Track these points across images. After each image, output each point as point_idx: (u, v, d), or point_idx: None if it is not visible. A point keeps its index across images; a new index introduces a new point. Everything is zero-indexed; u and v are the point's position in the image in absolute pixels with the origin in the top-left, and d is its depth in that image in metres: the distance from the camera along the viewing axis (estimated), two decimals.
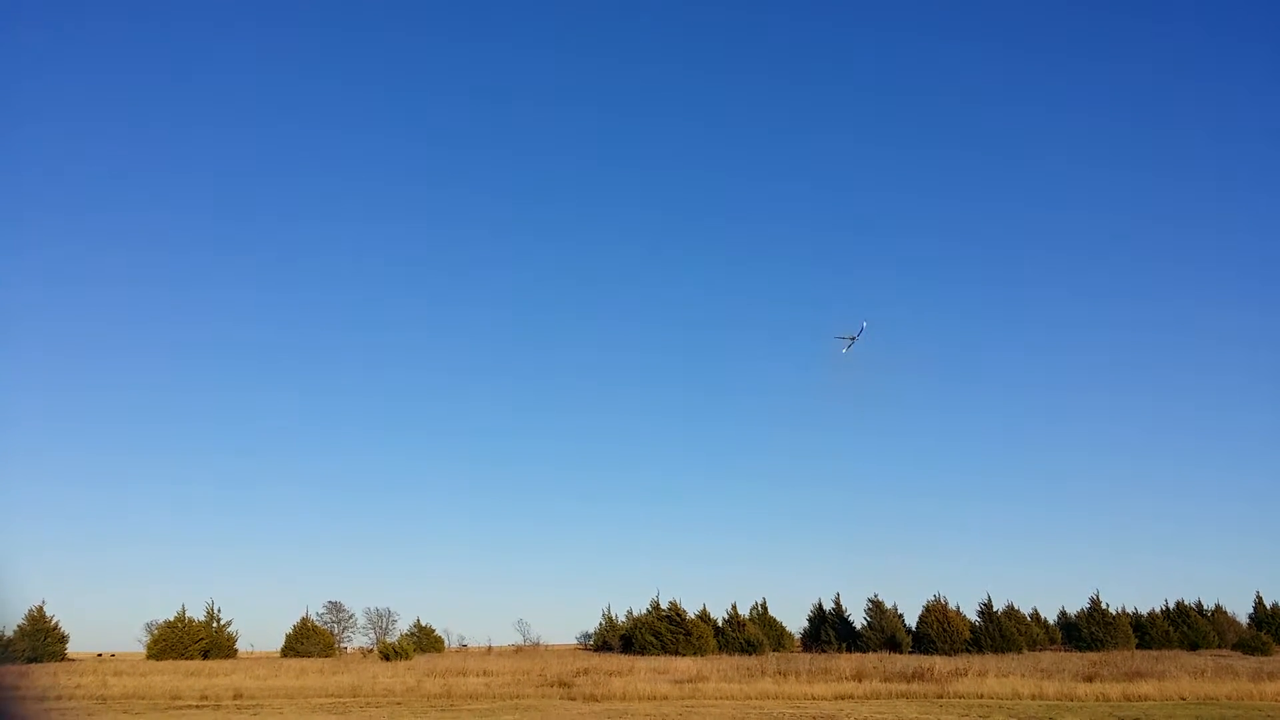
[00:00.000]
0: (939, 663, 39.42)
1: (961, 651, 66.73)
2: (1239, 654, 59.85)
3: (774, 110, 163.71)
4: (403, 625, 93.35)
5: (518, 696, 31.14)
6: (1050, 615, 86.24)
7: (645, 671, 38.31)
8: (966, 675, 33.36)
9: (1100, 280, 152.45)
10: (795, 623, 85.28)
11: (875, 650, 67.44)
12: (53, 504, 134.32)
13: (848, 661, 42.83)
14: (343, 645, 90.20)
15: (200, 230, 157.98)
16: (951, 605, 77.17)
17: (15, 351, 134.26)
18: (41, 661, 65.26)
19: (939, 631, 73.41)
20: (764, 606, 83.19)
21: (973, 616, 76.93)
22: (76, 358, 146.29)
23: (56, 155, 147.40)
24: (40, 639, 70.95)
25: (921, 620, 76.09)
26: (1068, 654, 64.03)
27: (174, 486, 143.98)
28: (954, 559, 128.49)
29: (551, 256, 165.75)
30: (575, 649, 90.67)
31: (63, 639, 73.64)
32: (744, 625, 75.66)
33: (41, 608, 72.64)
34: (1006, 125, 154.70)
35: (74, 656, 75.73)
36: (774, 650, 71.91)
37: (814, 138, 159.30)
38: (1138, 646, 72.53)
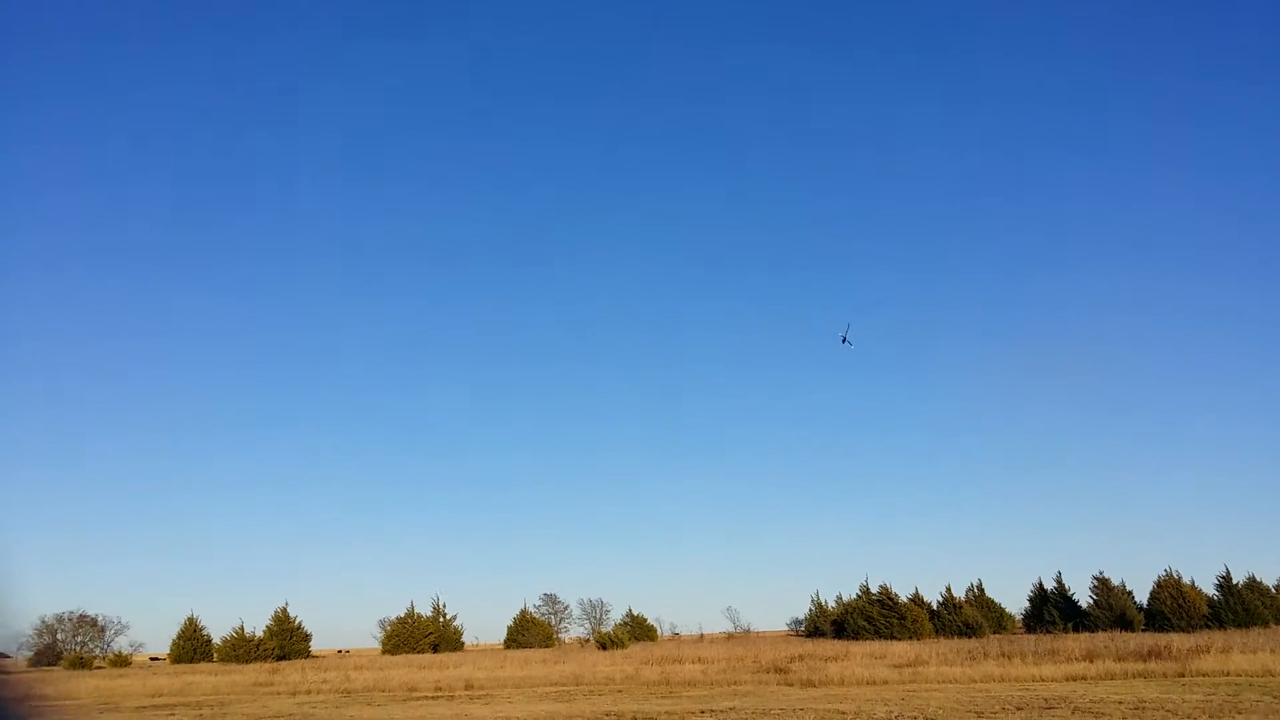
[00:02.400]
0: (1176, 640, 37.11)
1: (1200, 628, 62.49)
2: None
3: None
4: (615, 615, 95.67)
5: (734, 683, 31.29)
6: None
7: (861, 656, 37.76)
8: (1209, 652, 31.19)
9: None
10: (1014, 604, 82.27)
11: (1104, 630, 64.02)
12: (295, 513, 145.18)
13: (1076, 642, 40.86)
14: (560, 636, 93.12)
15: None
16: (1186, 580, 72.42)
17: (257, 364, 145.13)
18: (289, 659, 70.29)
19: (1173, 607, 68.97)
20: (980, 588, 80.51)
21: (1209, 590, 71.88)
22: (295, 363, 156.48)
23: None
24: (286, 638, 76.55)
25: (1153, 596, 71.70)
26: None
27: (398, 490, 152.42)
28: (1183, 532, 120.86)
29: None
30: (786, 635, 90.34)
31: (306, 637, 79.12)
32: (960, 607, 73.36)
33: (285, 609, 78.35)
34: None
35: (317, 653, 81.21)
36: (994, 632, 69.49)
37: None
38: None
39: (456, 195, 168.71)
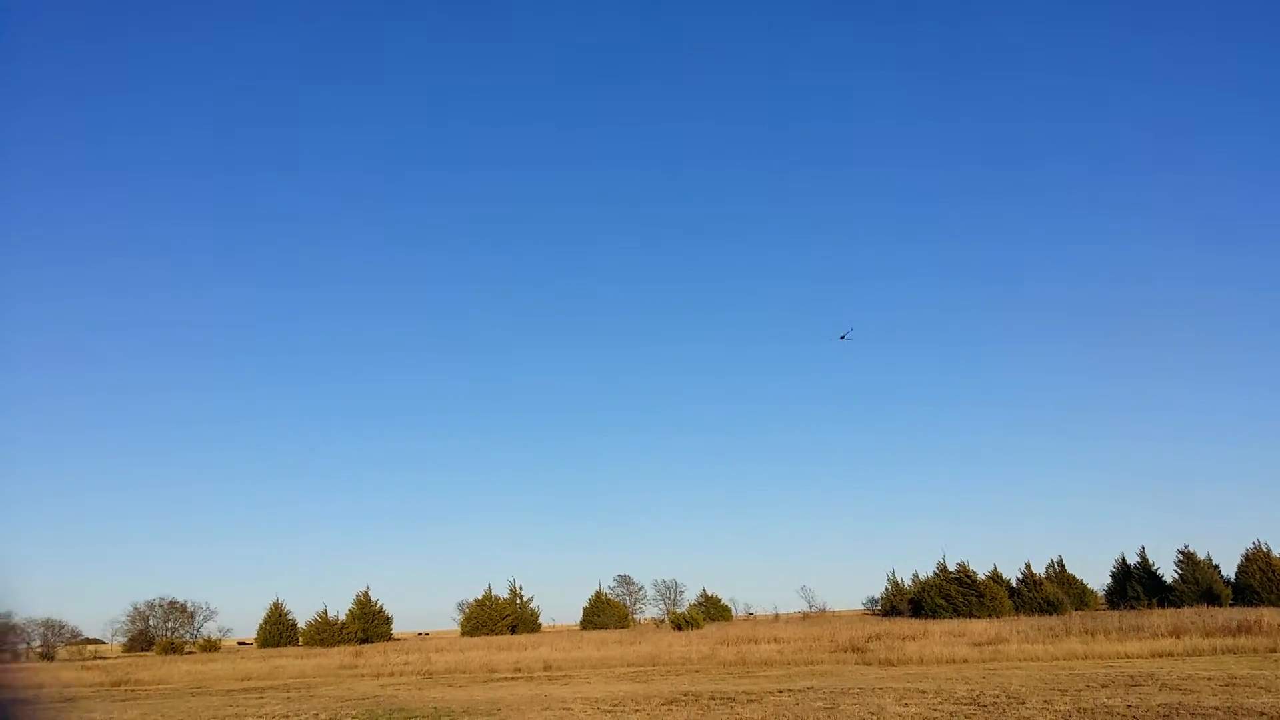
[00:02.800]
0: (1267, 615, 36.10)
1: None
2: None
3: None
4: (689, 596, 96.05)
5: (811, 662, 31.22)
6: None
7: (939, 635, 37.38)
8: None
9: None
10: (1096, 580, 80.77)
11: (1189, 605, 62.56)
12: (374, 497, 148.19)
13: (1161, 617, 39.98)
14: (635, 617, 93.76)
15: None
16: (1276, 552, 70.28)
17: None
18: (371, 641, 71.89)
19: (1263, 581, 67.08)
20: (1060, 564, 79.08)
21: None
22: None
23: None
24: (368, 621, 78.27)
25: (1241, 570, 69.83)
26: None
27: (467, 470, 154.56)
28: (1272, 503, 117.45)
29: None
30: (862, 614, 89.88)
31: (387, 620, 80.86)
32: (1040, 584, 72.15)
33: (367, 592, 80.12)
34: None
35: (398, 636, 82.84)
36: (1075, 609, 68.29)
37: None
38: None
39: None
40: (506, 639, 59.96)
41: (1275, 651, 26.97)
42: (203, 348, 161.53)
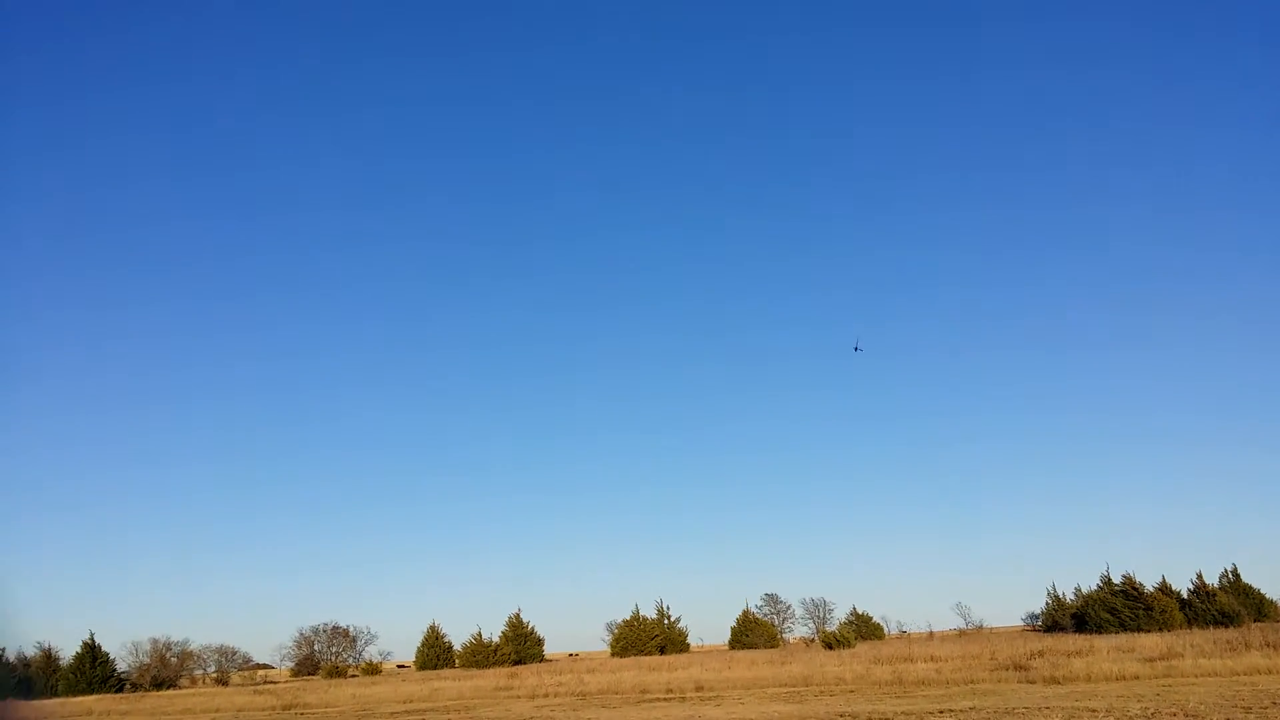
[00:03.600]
0: None
1: None
2: None
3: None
4: (839, 614, 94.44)
5: (971, 681, 30.30)
6: None
7: (1107, 650, 35.78)
8: None
9: None
10: (1276, 590, 75.89)
11: None
12: (522, 522, 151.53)
13: None
14: (784, 636, 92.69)
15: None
16: None
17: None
18: (525, 663, 73.13)
19: None
20: (1235, 573, 74.58)
21: None
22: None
23: None
24: (521, 643, 79.75)
25: None
26: None
27: (611, 490, 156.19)
28: None
29: None
30: (1022, 630, 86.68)
31: (539, 641, 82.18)
32: (1214, 595, 68.29)
33: (519, 614, 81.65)
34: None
35: (550, 657, 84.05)
36: (1254, 620, 64.30)
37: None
38: None
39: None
40: (656, 659, 60.11)
41: None
42: (354, 369, 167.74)
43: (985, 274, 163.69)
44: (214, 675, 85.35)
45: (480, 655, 76.15)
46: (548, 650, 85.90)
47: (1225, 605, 66.08)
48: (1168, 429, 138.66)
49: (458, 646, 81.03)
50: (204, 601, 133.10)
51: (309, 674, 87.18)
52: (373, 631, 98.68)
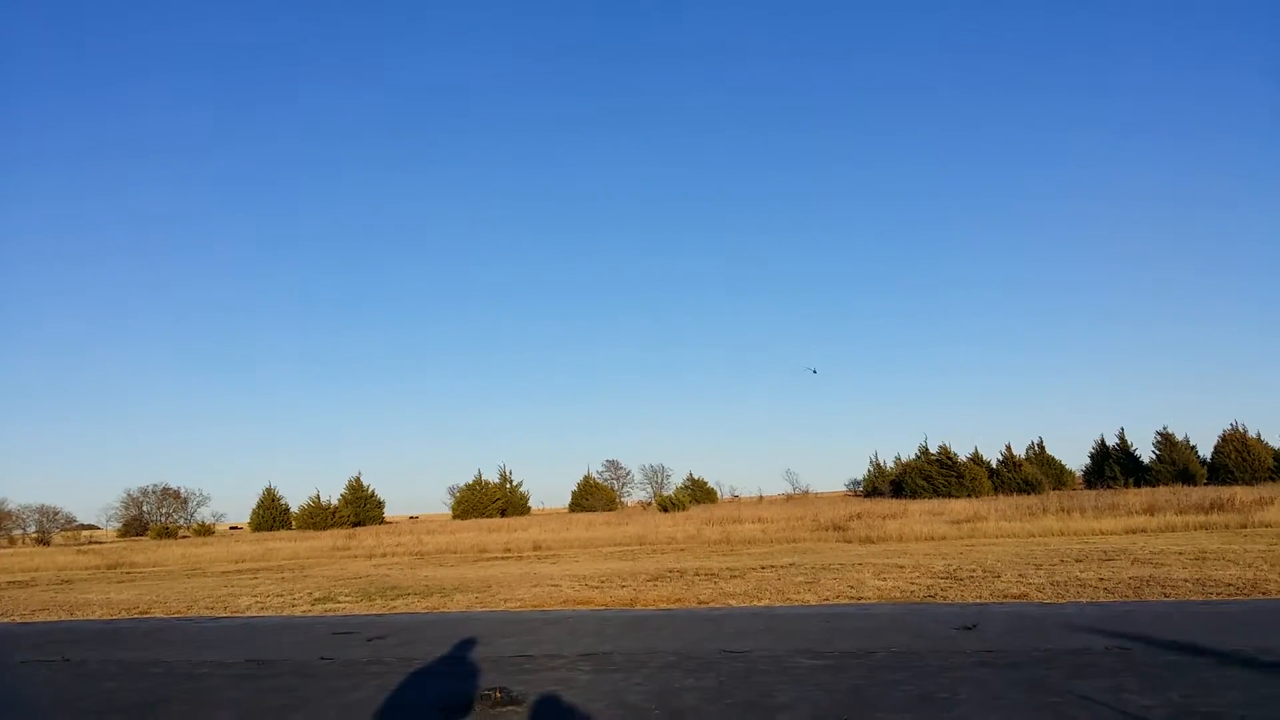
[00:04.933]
0: (1240, 493, 36.88)
1: (1264, 481, 62.13)
2: None
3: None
4: (676, 479, 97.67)
5: (793, 540, 31.87)
6: None
7: (919, 514, 38.14)
8: (1273, 504, 30.98)
9: None
10: (1075, 461, 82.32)
11: (1165, 484, 63.92)
12: (361, 385, 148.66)
13: (1136, 496, 40.82)
14: (623, 500, 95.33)
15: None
16: (1252, 433, 71.64)
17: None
18: (363, 524, 73.07)
19: (1238, 461, 68.52)
20: (1040, 445, 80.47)
21: (1276, 444, 71.10)
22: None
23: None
24: (360, 505, 79.55)
25: (1217, 450, 71.22)
26: None
27: (457, 356, 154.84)
28: (1252, 386, 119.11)
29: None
30: (844, 495, 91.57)
31: (379, 504, 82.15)
32: (1020, 465, 73.55)
33: (359, 478, 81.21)
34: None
35: (390, 520, 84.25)
36: (1054, 489, 69.75)
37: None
38: None
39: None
40: (497, 521, 61.00)
41: (1245, 527, 27.58)
42: (198, 236, 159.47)
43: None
44: (34, 535, 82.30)
45: (318, 518, 75.65)
46: (389, 514, 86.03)
47: (1029, 474, 71.27)
48: (989, 306, 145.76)
49: (295, 510, 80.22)
50: (23, 460, 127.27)
51: (137, 535, 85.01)
52: (205, 494, 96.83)
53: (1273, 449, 70.12)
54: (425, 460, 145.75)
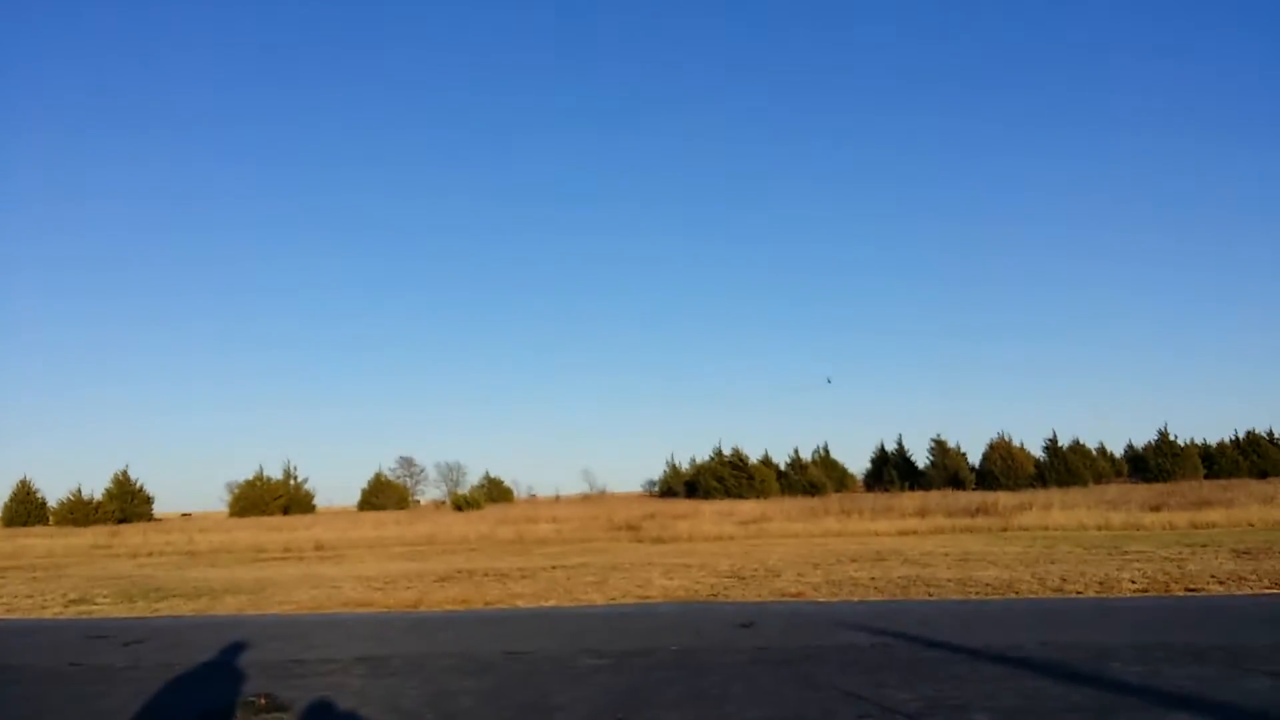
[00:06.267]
0: (1003, 498, 39.69)
1: (1026, 487, 67.09)
2: None
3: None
4: (472, 478, 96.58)
5: (587, 540, 32.10)
6: (1117, 449, 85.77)
7: (710, 514, 39.11)
8: (1031, 509, 33.47)
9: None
10: (858, 465, 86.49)
11: (938, 489, 68.10)
12: (129, 371, 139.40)
13: (910, 499, 43.31)
14: (416, 499, 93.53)
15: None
16: (1016, 442, 77.30)
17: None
18: (130, 521, 68.52)
19: (1003, 468, 73.75)
20: (826, 450, 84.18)
21: (1038, 453, 77.03)
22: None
23: None
24: (127, 500, 74.46)
25: (985, 458, 76.47)
26: (1134, 486, 63.84)
27: (243, 350, 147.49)
28: (1018, 398, 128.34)
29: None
30: (641, 496, 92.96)
31: (148, 500, 77.09)
32: (806, 468, 76.74)
33: (126, 471, 76.04)
34: None
35: (161, 517, 79.39)
36: (836, 491, 73.06)
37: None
38: (1205, 477, 72.07)
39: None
40: (278, 519, 58.52)
41: (1006, 530, 29.65)
42: None
43: None
44: None
45: (78, 513, 70.47)
46: (159, 510, 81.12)
47: (814, 477, 74.48)
48: (780, 315, 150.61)
49: (54, 504, 74.50)
50: None
51: None
52: None
53: (1034, 457, 75.94)
54: (202, 455, 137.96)
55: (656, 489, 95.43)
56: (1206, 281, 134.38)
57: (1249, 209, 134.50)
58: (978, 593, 14.41)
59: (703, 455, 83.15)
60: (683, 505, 52.65)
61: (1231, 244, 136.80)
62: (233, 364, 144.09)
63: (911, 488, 71.58)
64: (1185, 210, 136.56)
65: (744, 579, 17.25)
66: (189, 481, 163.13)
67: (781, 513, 38.35)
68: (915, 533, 29.91)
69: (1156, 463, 75.53)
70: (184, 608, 16.28)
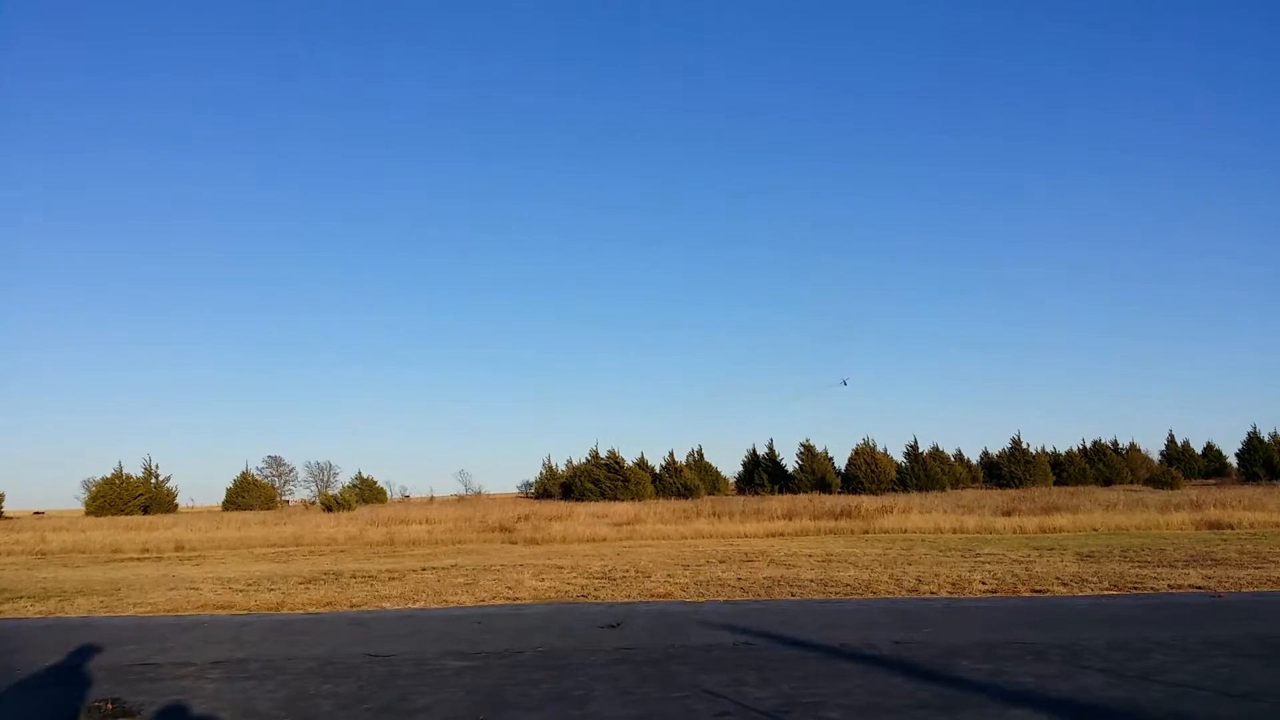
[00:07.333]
0: (866, 501, 40.87)
1: (888, 491, 69.32)
2: (1149, 488, 62.51)
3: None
4: (344, 478, 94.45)
5: (459, 541, 31.82)
6: (974, 456, 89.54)
7: (584, 516, 39.22)
8: (892, 512, 34.65)
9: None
10: (730, 468, 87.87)
11: (806, 492, 69.72)
12: None
13: (779, 502, 44.20)
14: (284, 499, 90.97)
15: None
16: (879, 448, 79.82)
17: None
18: None
19: (867, 473, 76.13)
20: (700, 453, 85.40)
21: (899, 458, 79.72)
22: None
23: None
24: None
25: (850, 462, 78.81)
26: (989, 491, 66.73)
27: (106, 344, 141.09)
28: (884, 405, 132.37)
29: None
30: (516, 497, 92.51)
31: None
32: (680, 471, 77.63)
33: None
34: None
35: (11, 515, 75.46)
36: (709, 494, 74.08)
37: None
38: (1055, 483, 75.93)
39: None
40: (137, 519, 56.18)
41: (868, 533, 30.60)
42: None
43: None
44: None
45: None
46: (8, 508, 77.15)
47: (688, 479, 75.36)
48: (667, 318, 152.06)
49: None
50: None
51: None
52: None
53: (895, 462, 78.63)
54: (56, 451, 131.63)
55: (532, 490, 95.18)
56: (1058, 296, 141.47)
57: (1106, 225, 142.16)
58: (838, 593, 14.88)
59: (580, 456, 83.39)
60: (558, 507, 52.59)
61: (1083, 260, 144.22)
62: (92, 358, 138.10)
63: (781, 491, 73.16)
64: (1036, 227, 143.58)
65: (614, 580, 17.41)
66: (43, 479, 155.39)
67: (654, 515, 38.72)
68: (782, 534, 30.61)
69: (1010, 469, 79.18)
70: (31, 609, 15.57)
